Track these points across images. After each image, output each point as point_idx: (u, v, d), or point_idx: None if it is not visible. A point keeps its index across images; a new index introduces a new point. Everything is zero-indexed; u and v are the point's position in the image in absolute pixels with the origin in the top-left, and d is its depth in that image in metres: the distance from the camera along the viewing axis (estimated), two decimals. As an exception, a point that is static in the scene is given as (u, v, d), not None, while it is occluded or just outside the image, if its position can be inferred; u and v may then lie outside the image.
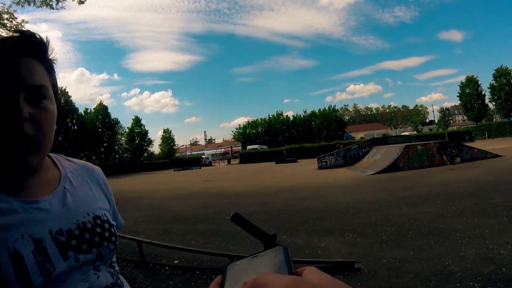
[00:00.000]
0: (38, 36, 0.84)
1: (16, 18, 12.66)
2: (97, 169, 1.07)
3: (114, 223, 0.99)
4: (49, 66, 0.86)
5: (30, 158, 0.77)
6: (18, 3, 11.08)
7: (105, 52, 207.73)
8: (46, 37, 0.86)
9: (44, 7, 11.20)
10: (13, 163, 0.76)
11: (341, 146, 44.08)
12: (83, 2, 10.98)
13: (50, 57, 0.87)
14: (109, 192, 1.07)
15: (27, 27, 13.21)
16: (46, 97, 0.80)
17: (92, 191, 0.98)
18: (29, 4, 11.20)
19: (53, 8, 11.32)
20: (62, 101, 48.97)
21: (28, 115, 0.74)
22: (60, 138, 47.48)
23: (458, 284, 3.40)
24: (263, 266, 0.41)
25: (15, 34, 0.80)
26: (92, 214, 0.91)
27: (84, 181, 0.98)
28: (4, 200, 0.76)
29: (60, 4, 11.18)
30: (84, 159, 52.58)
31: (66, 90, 51.45)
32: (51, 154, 0.97)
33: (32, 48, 0.81)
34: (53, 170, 0.93)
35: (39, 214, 0.79)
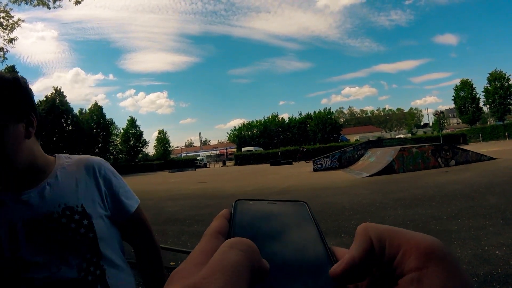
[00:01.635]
0: None
1: (13, 16, 12.57)
2: (96, 161, 1.20)
3: (90, 214, 1.08)
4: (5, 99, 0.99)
5: None
6: (14, 2, 11.00)
7: (101, 52, 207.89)
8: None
9: (41, 6, 11.13)
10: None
11: (304, 149, 44.19)
12: (79, 2, 10.91)
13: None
14: (108, 181, 1.19)
15: (23, 26, 13.16)
16: None
17: (76, 183, 1.11)
18: (27, 3, 11.12)
19: (49, 8, 11.26)
20: (57, 101, 48.74)
21: None
22: (54, 138, 47.29)
23: (454, 285, 3.40)
24: (285, 216, 0.38)
25: None
26: (63, 205, 1.04)
27: (72, 175, 1.12)
28: (1, 197, 0.99)
29: (56, 3, 11.12)
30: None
31: (61, 90, 51.12)
32: (56, 155, 1.19)
33: None
34: (48, 168, 1.10)
35: (18, 204, 0.99)
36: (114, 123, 62.12)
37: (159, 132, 71.73)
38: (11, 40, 14.07)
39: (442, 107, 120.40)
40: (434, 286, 0.23)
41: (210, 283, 0.23)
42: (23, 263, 0.95)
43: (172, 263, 4.85)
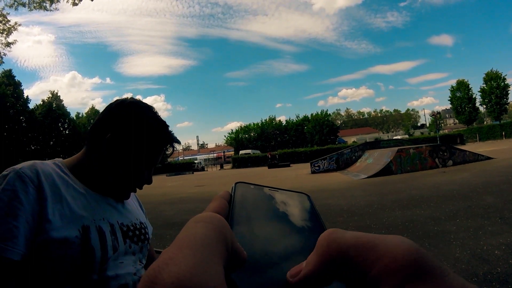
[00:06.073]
0: None
1: (9, 21, 12.58)
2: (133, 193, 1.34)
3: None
4: None
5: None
6: (11, 6, 10.99)
7: (98, 56, 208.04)
8: None
9: (38, 9, 11.14)
10: (125, 193, 1.18)
11: (270, 155, 44.59)
12: (76, 4, 10.91)
13: None
14: (143, 208, 1.42)
15: (20, 29, 13.22)
16: None
17: (135, 205, 1.33)
18: (24, 6, 11.11)
19: (47, 10, 11.25)
20: (54, 105, 48.61)
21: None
22: (51, 143, 47.11)
23: (453, 286, 3.39)
24: (288, 205, 0.37)
25: None
26: (139, 220, 1.23)
27: (130, 198, 1.27)
28: (91, 194, 1.06)
29: (53, 5, 11.12)
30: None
31: (58, 94, 50.98)
32: None
33: None
34: None
35: (112, 209, 1.11)
36: (111, 127, 61.95)
37: (156, 136, 71.62)
38: (8, 44, 14.06)
39: (439, 108, 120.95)
40: None
41: (178, 262, 0.20)
42: (119, 261, 1.04)
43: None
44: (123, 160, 1.10)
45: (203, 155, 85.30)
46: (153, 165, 1.18)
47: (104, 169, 1.10)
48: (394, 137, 51.25)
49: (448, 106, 70.43)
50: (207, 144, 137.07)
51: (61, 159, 1.14)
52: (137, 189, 1.20)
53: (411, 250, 0.23)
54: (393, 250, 0.23)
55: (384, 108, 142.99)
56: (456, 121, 75.64)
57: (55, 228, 0.89)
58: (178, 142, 1.24)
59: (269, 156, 44.85)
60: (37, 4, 11.04)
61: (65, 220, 0.92)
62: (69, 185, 1.01)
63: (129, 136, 1.09)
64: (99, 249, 0.96)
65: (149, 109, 1.16)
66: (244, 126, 74.23)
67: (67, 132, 50.20)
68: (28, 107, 46.03)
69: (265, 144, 68.82)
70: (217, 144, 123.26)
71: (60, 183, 0.98)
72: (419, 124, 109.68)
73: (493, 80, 56.86)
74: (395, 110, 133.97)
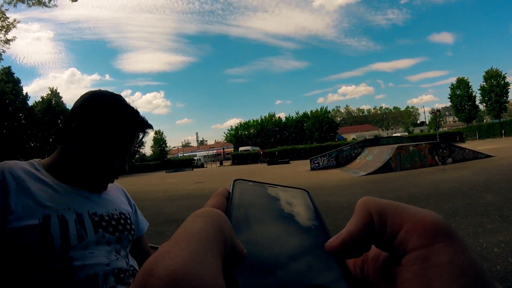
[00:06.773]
0: None
1: (8, 17, 12.54)
2: (120, 186, 1.47)
3: (133, 222, 1.32)
4: None
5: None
6: (10, 3, 10.95)
7: (97, 52, 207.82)
8: None
9: (37, 6, 11.09)
10: (98, 183, 1.19)
11: (261, 152, 44.73)
12: (75, 0, 10.86)
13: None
14: (133, 202, 1.49)
15: (19, 26, 13.17)
16: None
17: (119, 197, 1.36)
18: (23, 3, 11.05)
19: (46, 6, 11.21)
20: (53, 102, 48.50)
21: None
22: (51, 140, 47.05)
23: (453, 283, 3.39)
24: (287, 201, 0.37)
25: None
26: (118, 211, 1.23)
27: (114, 190, 1.35)
28: (62, 186, 1.10)
29: (52, 1, 11.07)
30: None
31: (57, 91, 50.83)
32: None
33: None
34: None
35: (83, 199, 1.12)
36: (110, 123, 61.81)
37: (156, 133, 71.40)
38: (7, 41, 14.01)
39: (439, 106, 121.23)
40: (441, 263, 0.22)
41: (174, 255, 0.20)
42: (89, 250, 1.05)
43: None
44: (89, 148, 1.13)
45: (202, 152, 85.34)
46: (126, 153, 1.22)
47: (73, 161, 1.14)
48: (394, 135, 51.22)
49: (448, 104, 70.39)
50: (206, 140, 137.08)
51: (38, 159, 1.21)
52: (115, 180, 1.25)
53: (437, 215, 0.25)
54: (424, 213, 0.25)
55: (384, 106, 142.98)
56: (456, 119, 75.60)
57: (17, 218, 0.95)
58: (150, 127, 1.28)
59: (261, 152, 44.70)
60: (36, 0, 10.98)
61: (27, 210, 0.97)
62: (37, 178, 1.07)
63: (91, 124, 1.13)
64: (59, 237, 0.98)
65: (114, 97, 1.21)
66: (243, 123, 74.19)
67: (66, 128, 50.01)
68: (27, 104, 45.98)
69: (264, 140, 68.79)
70: (216, 141, 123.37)
71: (26, 177, 1.04)
72: (418, 122, 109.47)
73: (493, 78, 56.74)
74: (394, 108, 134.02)
